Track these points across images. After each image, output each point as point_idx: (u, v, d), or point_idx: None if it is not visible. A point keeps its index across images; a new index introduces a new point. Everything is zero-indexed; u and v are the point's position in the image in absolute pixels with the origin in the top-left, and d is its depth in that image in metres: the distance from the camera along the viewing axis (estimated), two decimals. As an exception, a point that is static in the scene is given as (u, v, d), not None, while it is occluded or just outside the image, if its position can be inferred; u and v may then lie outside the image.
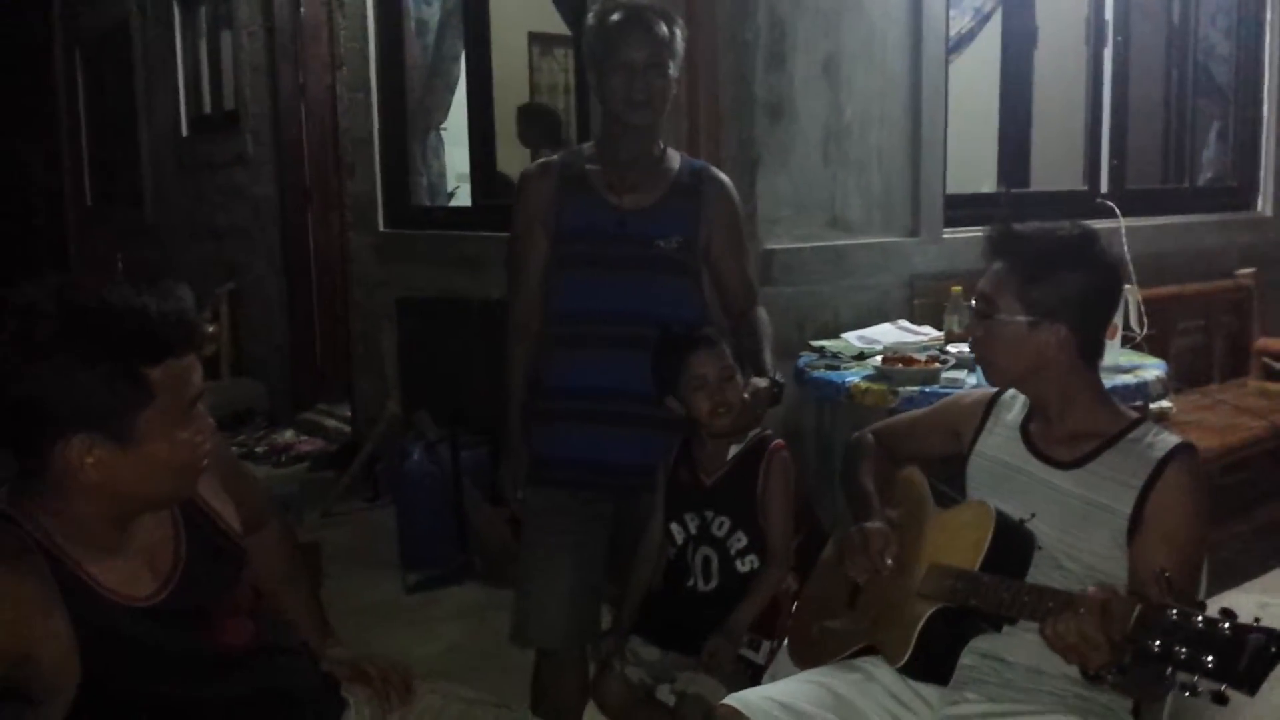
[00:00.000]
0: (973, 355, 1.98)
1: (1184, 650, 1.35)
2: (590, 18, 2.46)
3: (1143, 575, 1.70)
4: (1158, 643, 1.38)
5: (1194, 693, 1.35)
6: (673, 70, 2.40)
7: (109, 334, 1.45)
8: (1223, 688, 1.33)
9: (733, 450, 2.37)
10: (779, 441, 2.39)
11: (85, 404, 1.45)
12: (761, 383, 2.35)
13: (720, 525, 2.34)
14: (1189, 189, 5.36)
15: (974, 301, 1.92)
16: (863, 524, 2.00)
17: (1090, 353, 1.89)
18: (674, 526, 2.38)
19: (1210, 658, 1.33)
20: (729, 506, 2.34)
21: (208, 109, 7.50)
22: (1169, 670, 1.38)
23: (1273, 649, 1.32)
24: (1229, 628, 1.34)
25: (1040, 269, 1.84)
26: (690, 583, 2.36)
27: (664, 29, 2.37)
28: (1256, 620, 1.36)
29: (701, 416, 2.32)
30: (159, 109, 7.98)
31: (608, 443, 2.43)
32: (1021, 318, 1.84)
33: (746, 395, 2.31)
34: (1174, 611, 1.39)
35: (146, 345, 1.47)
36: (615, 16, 2.38)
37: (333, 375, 6.31)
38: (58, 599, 1.48)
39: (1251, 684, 1.32)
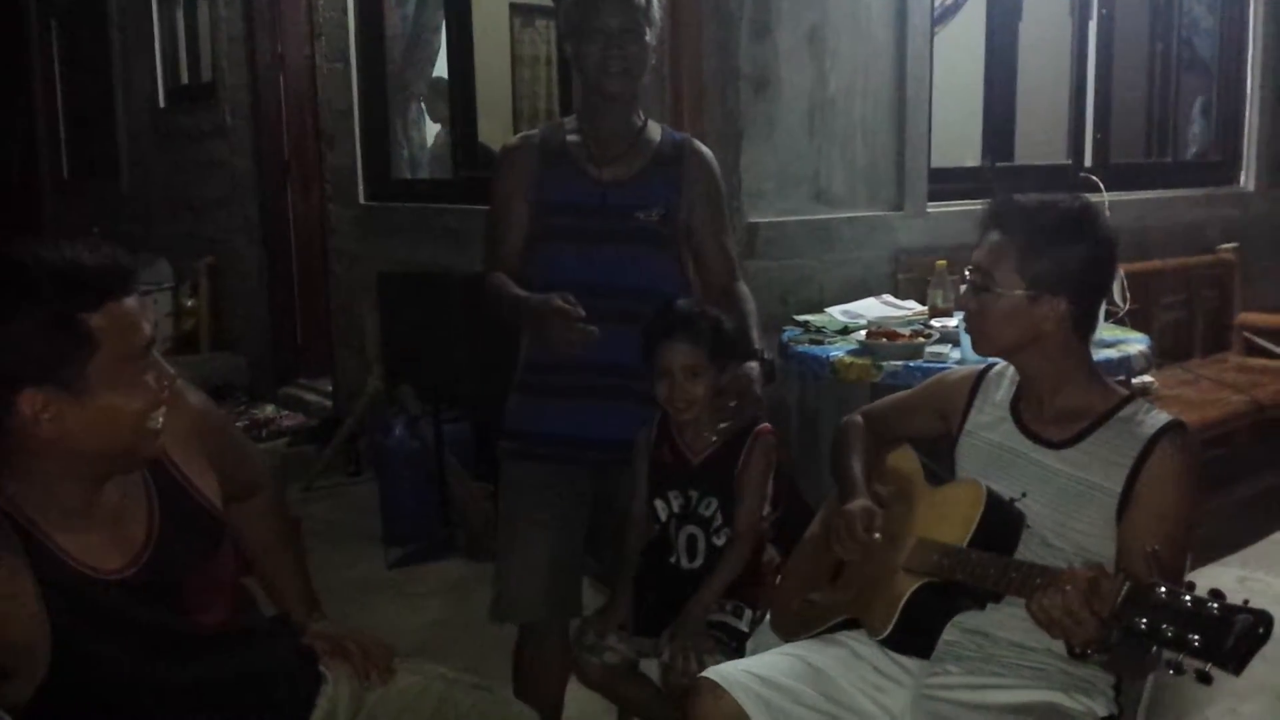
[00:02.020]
0: (965, 326, 1.96)
1: (1171, 628, 1.35)
2: None
3: (1131, 552, 1.70)
4: (1144, 620, 1.38)
5: (1179, 671, 1.35)
6: (649, 37, 2.37)
7: (41, 283, 1.45)
8: (1208, 667, 1.33)
9: (719, 430, 2.34)
10: (766, 425, 2.37)
11: (29, 357, 1.44)
12: (748, 371, 2.31)
13: (708, 505, 2.33)
14: (1172, 163, 5.37)
15: (968, 272, 1.90)
16: (847, 505, 1.99)
17: (1084, 327, 1.88)
18: (657, 503, 2.36)
19: (1197, 636, 1.33)
20: (717, 486, 2.32)
21: (185, 80, 7.42)
22: (1154, 648, 1.37)
23: (1260, 630, 1.32)
24: (1217, 607, 1.34)
25: (1041, 241, 1.81)
26: (673, 559, 2.35)
27: None
28: (1245, 601, 1.36)
29: (661, 402, 2.31)
30: (136, 80, 7.89)
31: (589, 417, 2.41)
32: (1020, 290, 1.82)
33: (706, 389, 2.28)
34: (1162, 590, 1.38)
35: (79, 290, 1.46)
36: None
37: (313, 349, 6.27)
38: (25, 567, 1.46)
39: (1237, 664, 1.32)
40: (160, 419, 1.57)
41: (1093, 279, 1.85)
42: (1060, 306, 1.82)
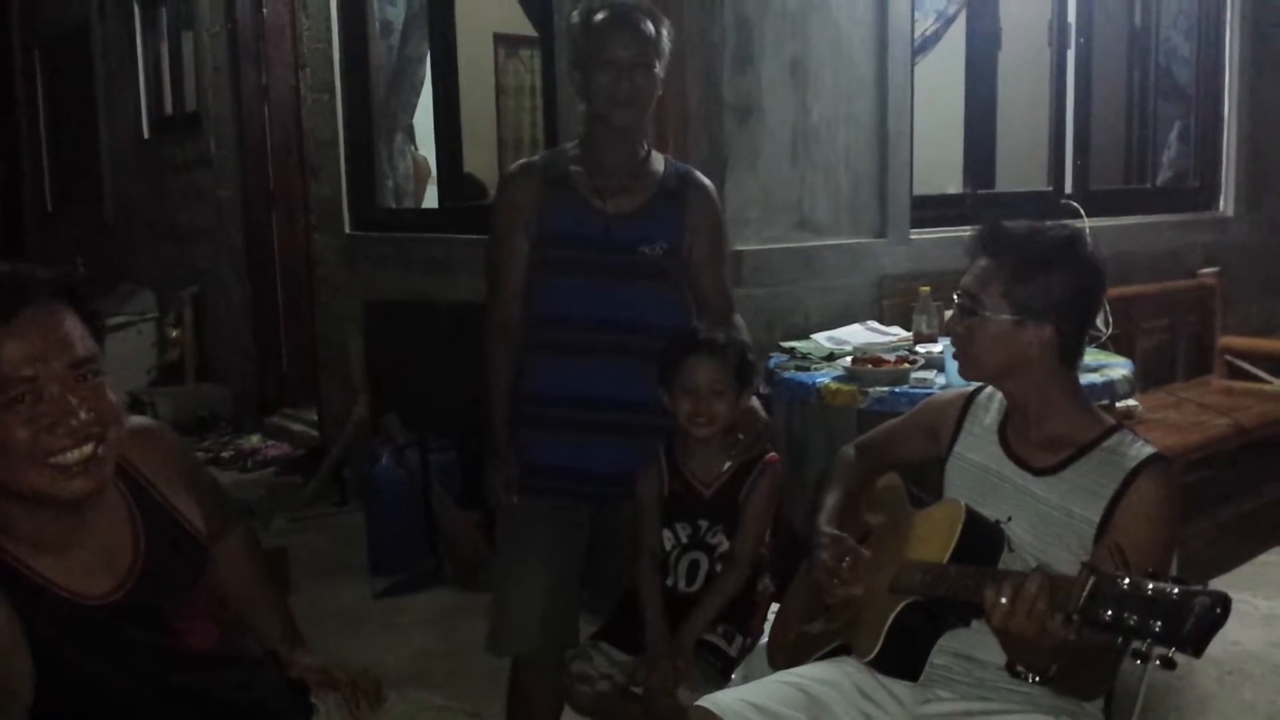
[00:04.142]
0: (952, 350, 1.98)
1: (1134, 617, 1.34)
2: (576, 16, 2.42)
3: (1096, 563, 1.70)
4: (1109, 612, 1.37)
5: (1145, 659, 1.34)
6: (659, 69, 2.37)
7: None
8: (1170, 652, 1.32)
9: (729, 463, 2.35)
10: (774, 456, 2.38)
11: None
12: (755, 404, 2.34)
13: (715, 534, 2.33)
14: (1152, 189, 5.41)
15: (957, 297, 1.91)
16: (813, 559, 2.01)
17: (1071, 355, 1.89)
18: (665, 534, 2.37)
19: (1158, 622, 1.32)
20: (727, 517, 2.33)
21: (169, 110, 7.42)
22: (1119, 639, 1.37)
23: (1218, 610, 1.31)
24: (1177, 592, 1.33)
25: (1029, 268, 1.83)
26: (670, 582, 2.35)
27: (650, 28, 2.34)
28: (1204, 584, 1.36)
29: (681, 419, 2.31)
30: (120, 110, 7.89)
31: (589, 451, 2.41)
32: (1007, 316, 1.83)
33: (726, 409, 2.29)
34: (1125, 581, 1.38)
35: None
36: (601, 15, 2.36)
37: (299, 379, 6.26)
38: (1, 600, 1.44)
39: (1196, 646, 1.31)
40: (69, 456, 1.46)
41: (1079, 307, 1.86)
42: (1045, 333, 1.83)
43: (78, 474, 1.47)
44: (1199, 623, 1.31)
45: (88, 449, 1.48)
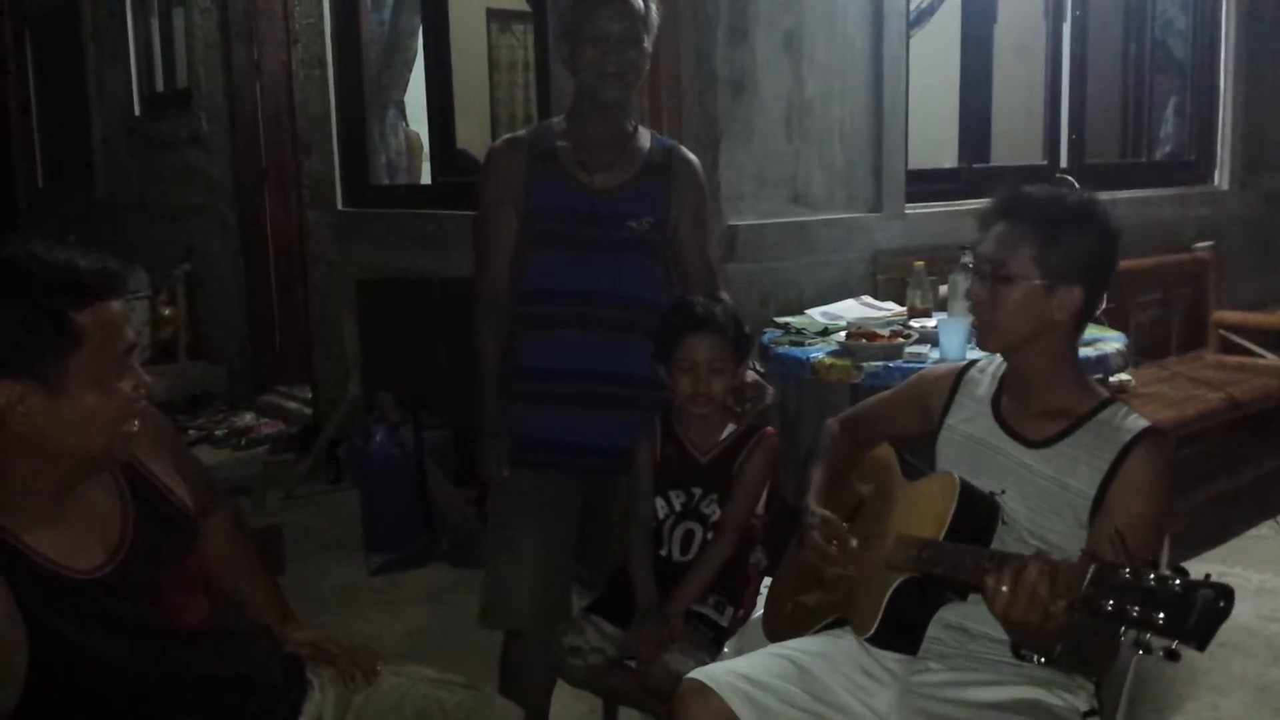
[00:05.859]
0: (974, 319, 1.96)
1: (1136, 608, 1.35)
2: None
3: (1097, 550, 1.70)
4: (1111, 602, 1.37)
5: (1148, 650, 1.35)
6: (647, 44, 2.36)
7: (32, 277, 1.47)
8: (1174, 644, 1.33)
9: (727, 430, 2.36)
10: (770, 429, 2.39)
11: (10, 348, 1.46)
12: (751, 377, 2.35)
13: (709, 503, 2.34)
14: (1147, 163, 5.41)
15: (976, 264, 1.90)
16: (808, 532, 2.01)
17: (1088, 317, 1.89)
18: (658, 501, 2.37)
19: (1161, 614, 1.33)
20: (722, 486, 2.33)
21: (160, 87, 7.38)
22: (1122, 629, 1.37)
23: (1221, 603, 1.32)
24: (1179, 584, 1.34)
25: (1055, 232, 1.82)
26: (663, 552, 2.36)
27: (639, 2, 2.33)
28: (1206, 576, 1.36)
29: (680, 397, 2.31)
30: (111, 87, 7.85)
31: (578, 424, 2.41)
32: (1038, 280, 1.83)
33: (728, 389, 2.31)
34: (1127, 570, 1.38)
35: (70, 288, 1.49)
36: None
37: (292, 357, 6.25)
38: None
39: (1200, 639, 1.32)
40: (135, 425, 1.58)
41: (1102, 268, 1.86)
42: (1075, 295, 1.83)
43: (128, 440, 1.60)
44: (1203, 616, 1.31)
45: (138, 422, 1.60)
